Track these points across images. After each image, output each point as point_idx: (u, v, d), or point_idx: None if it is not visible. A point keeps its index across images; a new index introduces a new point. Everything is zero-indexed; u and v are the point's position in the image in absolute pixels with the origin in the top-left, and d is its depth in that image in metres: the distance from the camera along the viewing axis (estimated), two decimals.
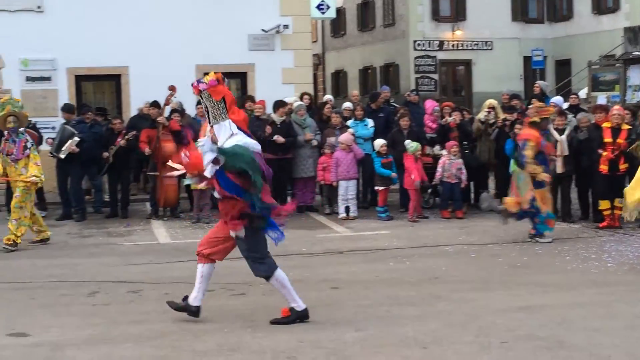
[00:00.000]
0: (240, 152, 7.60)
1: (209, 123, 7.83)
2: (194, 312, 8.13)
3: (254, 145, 7.84)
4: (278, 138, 15.20)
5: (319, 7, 21.65)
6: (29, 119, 16.31)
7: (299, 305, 8.05)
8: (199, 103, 17.12)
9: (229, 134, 7.74)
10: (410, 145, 14.76)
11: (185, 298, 8.23)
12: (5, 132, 12.80)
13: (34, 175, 12.53)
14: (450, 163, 14.87)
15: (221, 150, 7.63)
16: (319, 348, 7.19)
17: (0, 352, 7.19)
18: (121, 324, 8.05)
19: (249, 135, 7.96)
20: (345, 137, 15.08)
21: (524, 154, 12.27)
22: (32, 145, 12.79)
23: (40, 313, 8.54)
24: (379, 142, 14.96)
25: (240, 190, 7.65)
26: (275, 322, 8.01)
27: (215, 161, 7.66)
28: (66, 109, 16.34)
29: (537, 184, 12.36)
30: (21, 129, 12.86)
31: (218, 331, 7.74)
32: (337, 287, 9.60)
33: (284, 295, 8.06)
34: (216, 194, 7.98)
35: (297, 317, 8.01)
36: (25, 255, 12.15)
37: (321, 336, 7.56)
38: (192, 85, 7.89)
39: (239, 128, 7.83)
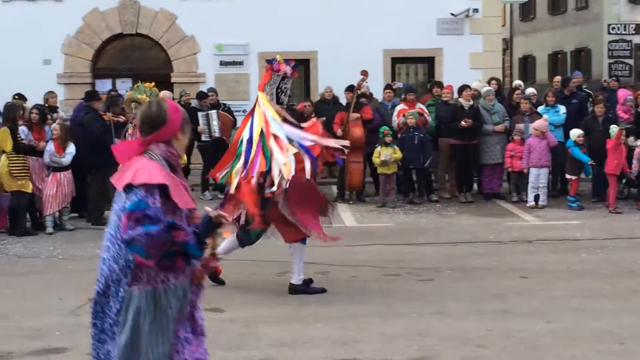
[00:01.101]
0: None
1: (282, 103, 8.25)
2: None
3: None
4: (466, 122, 14.96)
5: None
6: (223, 102, 16.95)
7: None
8: (387, 87, 17.20)
9: None
10: (613, 130, 14.17)
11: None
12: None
13: None
14: None
15: None
16: (509, 337, 7.05)
17: None
18: (310, 304, 8.18)
19: None
20: (539, 123, 14.63)
21: None
22: None
23: (234, 290, 8.82)
24: (575, 132, 14.36)
25: None
26: None
27: None
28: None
29: None
30: None
31: (406, 315, 7.72)
32: (526, 277, 9.37)
33: None
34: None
35: None
36: None
37: (511, 325, 7.40)
38: (273, 65, 8.21)
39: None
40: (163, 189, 4.08)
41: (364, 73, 15.07)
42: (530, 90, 16.69)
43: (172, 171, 4.23)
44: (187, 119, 4.39)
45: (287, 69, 8.37)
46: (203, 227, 4.20)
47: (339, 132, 15.19)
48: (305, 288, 8.65)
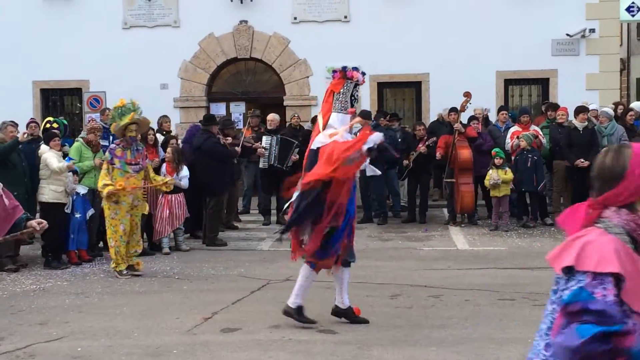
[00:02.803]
0: None
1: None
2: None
3: None
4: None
5: (628, 9, 20.64)
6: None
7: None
8: (501, 109, 17.01)
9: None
10: None
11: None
12: (116, 140, 11.72)
13: (169, 178, 12.32)
14: None
15: None
16: None
17: (312, 347, 7.52)
18: (424, 328, 8.12)
19: None
20: None
21: None
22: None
23: None
24: None
25: None
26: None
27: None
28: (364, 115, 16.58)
29: None
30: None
31: (522, 341, 7.55)
32: None
33: None
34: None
35: None
36: None
37: None
38: (346, 73, 8.37)
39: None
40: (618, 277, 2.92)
41: (467, 95, 15.01)
42: None
43: (636, 250, 3.04)
44: None
45: (359, 76, 8.46)
46: None
47: (438, 155, 15.10)
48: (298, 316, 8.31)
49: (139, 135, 11.90)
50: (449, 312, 8.78)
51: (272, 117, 16.22)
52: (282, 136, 15.78)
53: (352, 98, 8.43)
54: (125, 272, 11.22)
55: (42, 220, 5.36)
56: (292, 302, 8.32)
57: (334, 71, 8.58)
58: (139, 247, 11.67)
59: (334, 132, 8.17)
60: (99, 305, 9.48)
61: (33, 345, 7.76)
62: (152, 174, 11.92)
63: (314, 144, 8.31)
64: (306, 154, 8.57)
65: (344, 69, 8.45)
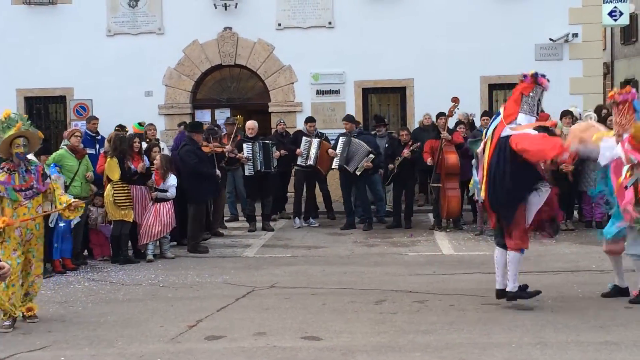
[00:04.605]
0: None
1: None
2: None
3: None
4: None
5: (610, 14, 20.73)
6: (320, 131, 17.05)
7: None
8: (484, 114, 17.08)
9: None
10: None
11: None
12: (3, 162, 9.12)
13: (73, 201, 9.24)
14: None
15: None
16: None
17: (296, 354, 7.50)
18: (409, 333, 8.11)
19: None
20: None
21: None
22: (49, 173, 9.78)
23: (332, 318, 8.81)
24: None
25: None
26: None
27: None
28: (349, 119, 16.73)
29: None
30: (30, 156, 9.53)
31: (506, 346, 7.58)
32: (630, 307, 9.07)
33: None
34: None
35: None
36: (317, 261, 12.67)
37: (616, 357, 7.17)
38: (537, 79, 8.99)
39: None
40: None
41: (455, 100, 15.09)
42: None
43: None
44: None
45: (547, 83, 9.05)
46: None
47: (429, 161, 15.16)
48: (522, 293, 9.03)
49: (31, 153, 9.48)
50: (434, 318, 8.77)
51: (252, 125, 16.18)
52: (261, 141, 15.84)
53: (539, 102, 9.08)
54: (6, 323, 8.75)
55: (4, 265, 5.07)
56: (511, 287, 8.99)
57: (524, 75, 9.13)
58: (35, 288, 9.18)
59: (517, 127, 8.81)
60: (83, 314, 9.43)
61: (16, 355, 7.71)
62: (58, 194, 9.24)
63: (504, 132, 8.84)
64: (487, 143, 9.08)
65: (536, 74, 9.03)
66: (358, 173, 15.59)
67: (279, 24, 20.66)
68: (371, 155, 15.53)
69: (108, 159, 12.93)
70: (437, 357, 7.31)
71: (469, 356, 7.29)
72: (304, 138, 16.23)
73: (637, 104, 9.15)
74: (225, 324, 8.72)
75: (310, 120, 16.95)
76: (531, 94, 8.98)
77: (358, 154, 15.66)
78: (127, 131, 15.00)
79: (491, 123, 9.31)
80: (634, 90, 9.30)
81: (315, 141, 16.17)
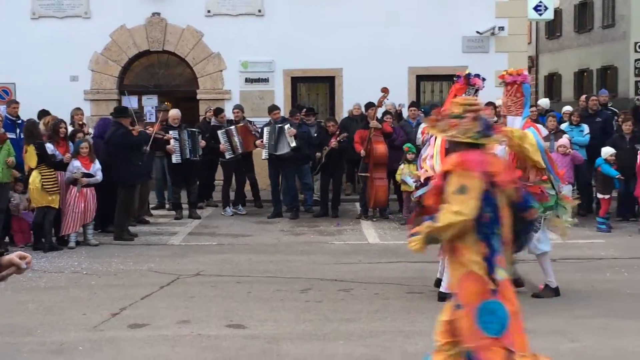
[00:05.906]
0: None
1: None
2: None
3: None
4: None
5: (536, 8, 21.08)
6: (249, 119, 17.00)
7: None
8: (411, 105, 17.21)
9: None
10: None
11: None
12: None
13: None
14: None
15: None
16: None
17: (220, 342, 7.47)
18: (333, 322, 8.16)
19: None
20: (563, 140, 14.62)
21: None
22: None
23: (257, 306, 8.80)
24: (608, 151, 14.29)
25: None
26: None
27: None
28: (273, 108, 16.72)
29: None
30: None
31: (429, 333, 7.60)
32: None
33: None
34: None
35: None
36: (243, 250, 12.62)
37: (534, 344, 7.25)
38: (470, 80, 9.09)
39: None
40: None
41: (385, 90, 15.15)
42: (567, 108, 16.94)
43: None
44: None
45: (480, 83, 9.11)
46: None
47: (362, 152, 15.22)
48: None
49: None
50: (359, 306, 8.83)
51: (176, 115, 16.00)
52: (188, 129, 15.78)
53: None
54: None
55: (26, 255, 4.15)
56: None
57: (458, 76, 9.22)
58: None
59: None
60: (1, 302, 9.22)
61: None
62: None
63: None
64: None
65: (468, 75, 9.10)
66: (293, 144, 15.50)
67: (209, 11, 20.49)
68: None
69: (25, 146, 12.69)
70: (361, 345, 7.37)
71: (392, 344, 7.37)
72: (218, 132, 16.09)
73: (527, 90, 9.29)
74: (149, 312, 8.64)
75: (218, 112, 17.07)
76: (465, 94, 8.99)
77: (283, 136, 15.63)
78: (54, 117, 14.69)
79: None
80: (526, 73, 9.50)
81: (232, 129, 16.05)
